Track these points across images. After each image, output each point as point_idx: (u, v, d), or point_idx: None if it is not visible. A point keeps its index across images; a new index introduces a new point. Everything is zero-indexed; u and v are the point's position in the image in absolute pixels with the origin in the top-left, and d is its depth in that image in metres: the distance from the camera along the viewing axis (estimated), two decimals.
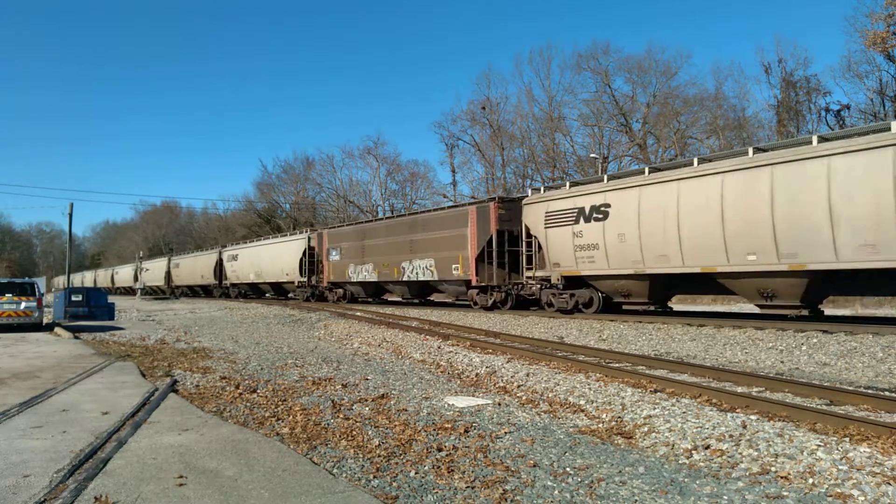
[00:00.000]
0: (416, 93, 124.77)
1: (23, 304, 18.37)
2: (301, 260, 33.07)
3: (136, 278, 61.62)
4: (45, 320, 19.89)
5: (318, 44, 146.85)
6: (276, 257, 35.89)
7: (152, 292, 59.32)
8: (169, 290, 55.12)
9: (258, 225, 70.34)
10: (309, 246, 32.92)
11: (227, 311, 28.01)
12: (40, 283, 26.49)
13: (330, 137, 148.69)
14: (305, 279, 32.93)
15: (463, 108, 69.78)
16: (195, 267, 49.39)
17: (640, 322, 15.65)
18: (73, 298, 21.92)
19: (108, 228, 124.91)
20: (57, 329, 18.25)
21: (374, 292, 29.60)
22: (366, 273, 27.97)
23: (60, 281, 62.18)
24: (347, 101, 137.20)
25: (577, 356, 11.19)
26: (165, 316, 26.81)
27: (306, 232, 34.43)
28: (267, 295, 40.18)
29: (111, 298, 29.11)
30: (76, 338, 16.46)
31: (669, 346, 12.71)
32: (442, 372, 10.45)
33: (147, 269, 60.67)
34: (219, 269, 44.38)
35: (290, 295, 37.42)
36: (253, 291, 41.65)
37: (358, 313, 22.73)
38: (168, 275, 55.31)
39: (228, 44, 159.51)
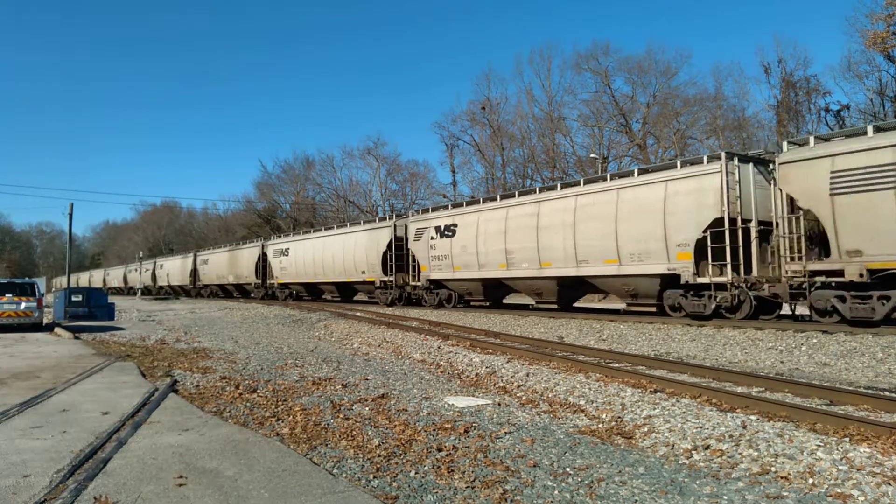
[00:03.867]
0: (416, 93, 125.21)
1: (23, 305, 18.38)
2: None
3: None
4: (45, 320, 19.89)
5: (318, 44, 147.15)
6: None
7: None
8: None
9: (258, 225, 70.43)
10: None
11: (227, 312, 28.01)
12: (40, 283, 26.46)
13: (330, 137, 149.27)
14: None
15: (463, 109, 70.15)
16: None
17: (640, 322, 15.65)
18: (73, 298, 21.95)
19: (108, 228, 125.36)
20: (57, 329, 18.26)
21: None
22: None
23: (61, 281, 61.65)
24: (347, 101, 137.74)
25: (577, 356, 11.19)
26: (165, 316, 26.81)
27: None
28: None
29: (114, 299, 29.16)
30: (76, 338, 16.46)
31: (669, 346, 12.71)
32: (442, 372, 10.45)
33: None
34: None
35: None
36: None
37: (358, 313, 22.72)
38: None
39: (229, 44, 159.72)
